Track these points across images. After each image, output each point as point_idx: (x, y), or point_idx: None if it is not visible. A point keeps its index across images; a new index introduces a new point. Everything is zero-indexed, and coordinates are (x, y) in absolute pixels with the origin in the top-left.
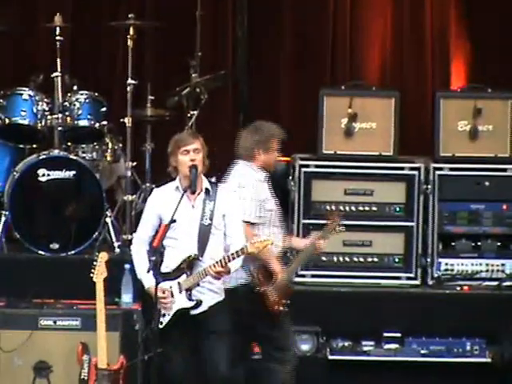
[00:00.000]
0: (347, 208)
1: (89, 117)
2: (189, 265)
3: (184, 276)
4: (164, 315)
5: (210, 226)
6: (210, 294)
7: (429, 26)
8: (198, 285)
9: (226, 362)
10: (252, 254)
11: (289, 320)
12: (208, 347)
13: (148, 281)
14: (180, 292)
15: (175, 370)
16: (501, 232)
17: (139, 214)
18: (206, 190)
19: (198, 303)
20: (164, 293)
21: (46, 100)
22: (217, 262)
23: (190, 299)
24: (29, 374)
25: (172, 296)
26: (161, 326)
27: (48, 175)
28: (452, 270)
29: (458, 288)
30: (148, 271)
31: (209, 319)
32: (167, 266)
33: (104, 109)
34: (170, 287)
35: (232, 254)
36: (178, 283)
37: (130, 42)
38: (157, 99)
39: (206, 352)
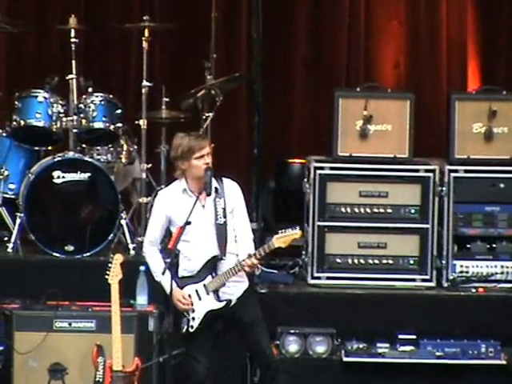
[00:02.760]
0: (362, 210)
1: (104, 119)
2: (213, 266)
3: (209, 277)
4: (194, 319)
5: (225, 223)
6: (235, 285)
7: (444, 28)
8: (224, 285)
9: (268, 344)
10: (279, 248)
11: None
12: (250, 338)
13: (169, 285)
14: (208, 294)
15: (201, 371)
16: None
17: None
18: (215, 188)
19: (228, 303)
20: (184, 297)
21: (61, 102)
22: (250, 256)
23: (220, 300)
24: (44, 376)
25: (192, 301)
26: (191, 330)
27: (63, 177)
28: (467, 272)
29: (473, 290)
30: (163, 273)
31: (242, 311)
32: (185, 268)
33: (119, 111)
34: (196, 290)
35: (263, 249)
36: (204, 285)
37: (144, 44)
38: (172, 101)
39: (250, 344)
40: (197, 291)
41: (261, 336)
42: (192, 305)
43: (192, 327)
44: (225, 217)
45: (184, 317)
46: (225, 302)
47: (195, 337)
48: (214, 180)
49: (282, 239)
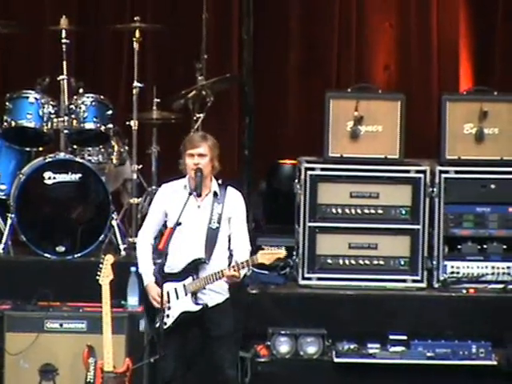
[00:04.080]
0: (353, 211)
1: (95, 120)
2: (195, 268)
3: (190, 279)
4: (168, 316)
5: (217, 229)
6: (210, 295)
7: (435, 29)
8: (204, 289)
9: (231, 364)
10: (262, 264)
11: None
12: (211, 351)
13: (148, 278)
14: (186, 295)
15: (165, 370)
16: (506, 235)
17: (145, 217)
18: (215, 192)
19: (205, 307)
20: (161, 295)
21: (51, 103)
22: (233, 266)
23: (197, 303)
24: (35, 377)
25: (169, 299)
26: (165, 327)
27: (54, 178)
28: (458, 273)
29: (464, 291)
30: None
31: (211, 322)
32: (169, 265)
33: (110, 112)
34: (175, 289)
35: (242, 263)
36: (184, 286)
37: (135, 45)
38: (163, 102)
39: (210, 355)
40: (176, 290)
41: (224, 353)
42: (168, 302)
43: (165, 324)
44: (219, 222)
45: (160, 312)
46: (201, 306)
47: (168, 337)
48: (215, 184)
49: (266, 256)
